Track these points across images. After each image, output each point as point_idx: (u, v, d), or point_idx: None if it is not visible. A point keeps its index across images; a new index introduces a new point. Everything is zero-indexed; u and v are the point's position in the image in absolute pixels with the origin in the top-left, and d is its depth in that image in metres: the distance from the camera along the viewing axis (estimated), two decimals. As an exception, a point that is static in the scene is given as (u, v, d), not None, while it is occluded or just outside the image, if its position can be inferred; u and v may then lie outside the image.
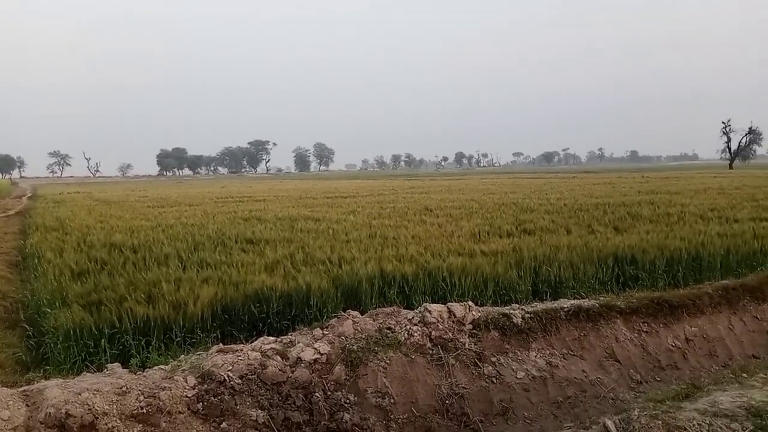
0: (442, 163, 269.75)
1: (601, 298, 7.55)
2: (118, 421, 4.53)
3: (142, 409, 4.67)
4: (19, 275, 11.74)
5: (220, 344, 5.92)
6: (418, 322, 6.16)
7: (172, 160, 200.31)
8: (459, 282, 8.78)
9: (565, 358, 6.46)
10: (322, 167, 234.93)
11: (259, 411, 5.03)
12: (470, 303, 6.64)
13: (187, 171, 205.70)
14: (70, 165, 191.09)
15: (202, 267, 9.52)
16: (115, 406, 4.59)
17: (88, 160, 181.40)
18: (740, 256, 10.77)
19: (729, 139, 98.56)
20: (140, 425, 4.62)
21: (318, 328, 6.09)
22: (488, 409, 5.71)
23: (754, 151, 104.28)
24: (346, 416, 5.21)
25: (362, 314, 6.42)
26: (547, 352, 6.46)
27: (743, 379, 5.46)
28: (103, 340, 6.85)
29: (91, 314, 7.20)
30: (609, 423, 3.92)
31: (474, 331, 6.29)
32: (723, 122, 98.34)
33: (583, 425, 4.90)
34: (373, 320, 6.22)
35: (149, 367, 5.60)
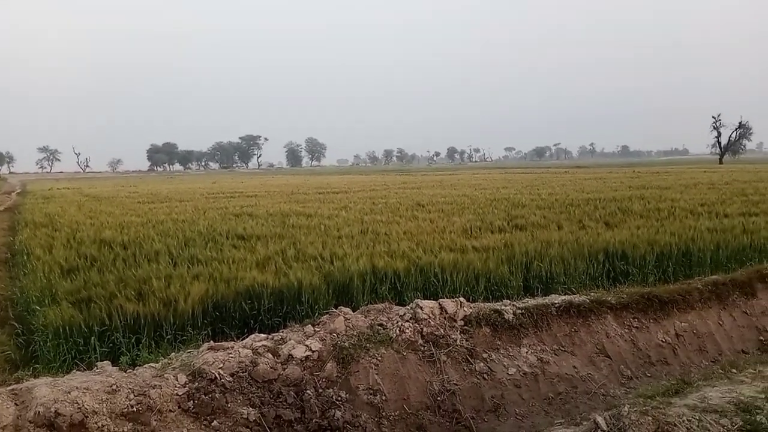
0: (434, 158, 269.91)
1: (592, 294, 7.57)
2: (108, 419, 4.50)
3: (132, 407, 4.64)
4: (8, 272, 11.64)
5: (211, 341, 5.89)
6: (410, 318, 6.16)
7: (162, 155, 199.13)
8: (450, 278, 8.78)
9: (556, 354, 6.48)
10: (314, 162, 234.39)
11: (251, 409, 5.02)
12: (462, 299, 6.64)
13: (177, 166, 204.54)
14: (59, 160, 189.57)
15: (193, 263, 9.47)
16: (105, 405, 4.56)
17: (77, 155, 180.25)
18: (730, 251, 10.84)
19: (719, 134, 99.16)
20: (130, 424, 4.60)
21: (309, 325, 6.08)
22: (480, 405, 5.72)
23: (744, 146, 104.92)
24: (338, 413, 5.20)
25: (354, 311, 6.41)
26: (538, 348, 6.47)
27: (733, 374, 5.49)
28: (93, 337, 6.80)
29: (80, 311, 7.14)
30: (599, 419, 3.93)
31: (465, 327, 6.30)
32: (713, 117, 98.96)
33: (574, 421, 4.92)
34: (365, 317, 6.21)
35: (139, 365, 5.57)
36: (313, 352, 5.58)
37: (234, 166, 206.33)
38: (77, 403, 4.44)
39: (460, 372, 5.90)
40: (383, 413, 5.36)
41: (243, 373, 5.23)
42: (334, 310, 6.34)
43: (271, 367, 5.33)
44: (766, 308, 8.19)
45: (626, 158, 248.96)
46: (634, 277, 9.75)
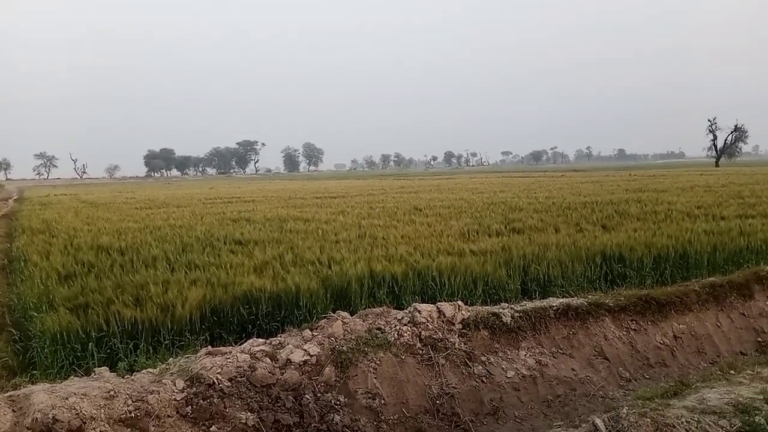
0: (432, 162, 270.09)
1: (590, 297, 7.58)
2: (107, 425, 4.48)
3: (130, 413, 4.63)
4: (5, 279, 11.61)
5: (209, 347, 5.89)
6: (408, 322, 6.16)
7: (159, 161, 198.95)
8: (448, 281, 8.78)
9: (554, 357, 6.48)
10: (312, 167, 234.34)
11: (249, 414, 5.01)
12: (460, 302, 6.64)
13: (175, 172, 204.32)
14: (56, 167, 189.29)
15: (191, 269, 9.45)
16: (103, 411, 4.54)
17: (74, 161, 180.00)
18: (727, 253, 10.86)
19: (715, 137, 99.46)
20: (129, 429, 4.58)
21: (307, 330, 6.07)
22: (479, 408, 5.71)
23: (740, 149, 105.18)
24: (337, 418, 5.20)
25: (352, 315, 6.40)
26: (537, 350, 6.48)
27: (731, 375, 5.50)
28: (90, 343, 6.78)
29: (78, 317, 7.12)
30: (598, 421, 3.94)
31: (464, 330, 6.30)
32: (709, 120, 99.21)
33: (573, 424, 4.92)
34: (363, 321, 6.21)
35: (137, 371, 5.56)
36: (312, 356, 5.57)
37: (231, 171, 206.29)
38: (75, 409, 4.43)
39: (458, 375, 5.90)
40: (382, 417, 5.35)
41: (241, 377, 5.22)
42: (332, 314, 6.33)
43: (269, 372, 5.32)
44: (763, 310, 8.21)
45: (623, 161, 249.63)
46: (632, 280, 9.76)
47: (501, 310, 6.72)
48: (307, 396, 5.27)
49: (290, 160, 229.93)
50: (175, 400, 4.90)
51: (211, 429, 4.85)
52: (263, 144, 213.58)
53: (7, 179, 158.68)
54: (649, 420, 3.84)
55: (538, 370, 6.24)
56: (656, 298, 7.60)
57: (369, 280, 8.61)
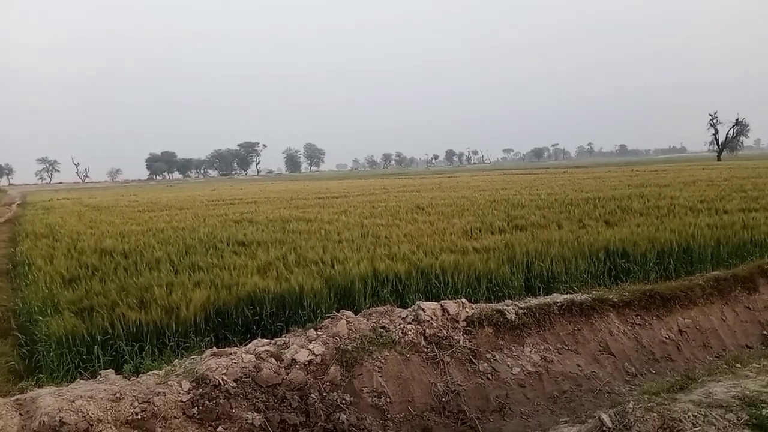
0: (433, 161, 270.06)
1: (594, 292, 7.58)
2: (113, 427, 4.49)
3: (136, 415, 4.64)
4: (9, 283, 11.64)
5: (214, 348, 5.89)
6: (412, 320, 6.16)
7: (161, 164, 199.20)
8: (452, 279, 8.78)
9: (559, 353, 6.48)
10: (313, 168, 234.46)
11: (255, 414, 5.01)
12: (463, 300, 6.64)
13: (177, 174, 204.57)
14: (58, 171, 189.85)
15: (194, 270, 9.46)
16: (109, 413, 4.55)
17: (76, 165, 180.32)
18: (731, 247, 10.84)
19: (716, 131, 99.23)
20: (135, 431, 4.59)
21: (312, 329, 6.07)
22: (484, 405, 5.71)
23: (742, 143, 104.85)
24: (343, 417, 5.20)
25: (356, 314, 6.41)
26: (542, 347, 6.47)
27: (737, 369, 5.49)
28: (96, 346, 6.80)
29: (83, 321, 7.14)
30: (605, 417, 3.93)
31: (468, 328, 6.30)
32: (710, 114, 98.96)
33: (579, 419, 4.92)
34: (367, 320, 6.21)
35: (143, 373, 5.57)
36: (317, 356, 5.58)
37: (233, 173, 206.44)
38: (82, 412, 4.44)
39: (464, 373, 5.89)
40: (388, 415, 5.35)
41: (247, 378, 5.22)
42: (336, 314, 6.33)
43: (274, 372, 5.33)
44: (768, 303, 8.19)
45: (624, 157, 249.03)
46: (636, 275, 9.75)
47: (505, 307, 6.71)
48: (312, 395, 5.27)
49: (292, 161, 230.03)
50: (181, 401, 4.91)
51: (217, 430, 4.85)
52: (264, 145, 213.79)
53: (9, 184, 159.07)
54: (655, 414, 3.83)
55: (544, 367, 6.24)
56: (661, 293, 7.59)
57: (372, 279, 8.61)
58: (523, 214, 15.58)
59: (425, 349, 5.95)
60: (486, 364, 6.04)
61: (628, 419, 3.82)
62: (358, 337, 5.88)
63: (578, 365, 6.43)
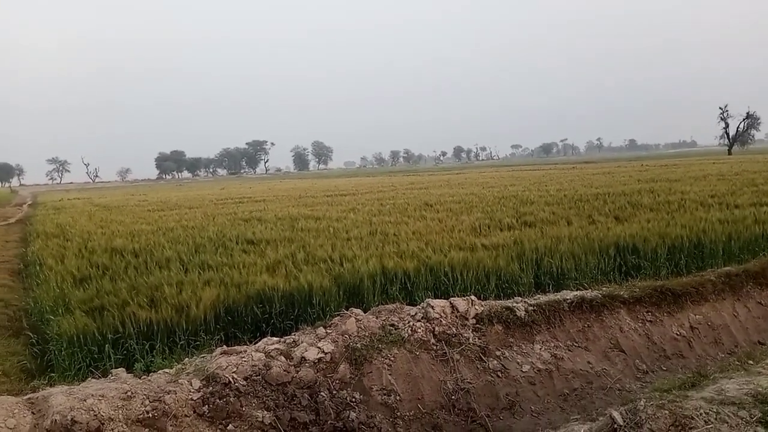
0: (441, 158, 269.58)
1: (604, 289, 7.54)
2: (124, 426, 4.52)
3: (147, 413, 4.66)
4: (21, 283, 11.73)
5: (224, 346, 5.91)
6: (421, 318, 6.15)
7: (170, 163, 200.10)
8: (461, 276, 8.77)
9: (569, 350, 6.45)
10: (321, 166, 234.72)
11: (265, 412, 5.03)
12: (473, 297, 6.62)
13: (186, 173, 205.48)
14: (69, 171, 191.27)
15: (204, 269, 9.50)
16: (120, 412, 4.58)
17: (87, 165, 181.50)
18: (742, 242, 10.75)
19: (727, 125, 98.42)
20: (146, 430, 4.62)
21: (321, 327, 6.08)
22: (494, 403, 5.70)
23: (753, 136, 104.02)
24: (353, 414, 5.20)
25: (365, 312, 6.41)
26: (552, 344, 6.45)
27: (749, 365, 5.44)
28: (107, 345, 6.84)
29: (94, 320, 7.19)
30: (616, 414, 3.91)
31: (477, 325, 6.28)
32: (721, 108, 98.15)
33: (590, 417, 4.90)
34: (376, 317, 6.21)
35: (154, 371, 5.60)
36: (326, 354, 5.58)
37: (242, 171, 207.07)
38: (93, 410, 4.47)
39: (473, 370, 5.88)
40: (398, 413, 5.35)
41: (257, 376, 5.24)
42: (345, 311, 6.34)
43: (284, 370, 5.34)
44: (780, 298, 8.12)
45: (634, 152, 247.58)
46: (646, 271, 9.69)
47: (515, 304, 6.69)
48: (322, 393, 5.28)
49: (300, 159, 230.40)
50: (192, 399, 4.93)
51: (228, 428, 4.87)
52: (273, 144, 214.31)
53: (20, 185, 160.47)
54: (667, 412, 3.80)
55: (554, 364, 6.21)
56: (671, 289, 7.54)
57: (381, 277, 8.61)
58: (532, 210, 15.52)
59: (434, 347, 5.95)
60: (496, 362, 6.03)
61: (640, 417, 3.79)
62: (367, 335, 5.88)
63: (589, 362, 6.40)
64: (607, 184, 25.18)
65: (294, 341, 5.83)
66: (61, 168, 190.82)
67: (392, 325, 6.07)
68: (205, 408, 4.93)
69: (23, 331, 8.14)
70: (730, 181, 23.27)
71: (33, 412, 4.51)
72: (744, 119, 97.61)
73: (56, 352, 6.89)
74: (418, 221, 14.39)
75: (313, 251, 10.48)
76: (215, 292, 7.83)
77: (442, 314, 6.22)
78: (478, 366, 5.94)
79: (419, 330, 6.01)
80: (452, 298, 6.55)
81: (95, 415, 4.43)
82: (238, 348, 5.72)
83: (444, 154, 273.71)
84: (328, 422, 5.14)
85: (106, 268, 10.29)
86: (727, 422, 3.76)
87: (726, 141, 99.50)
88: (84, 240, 13.98)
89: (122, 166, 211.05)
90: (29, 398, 4.71)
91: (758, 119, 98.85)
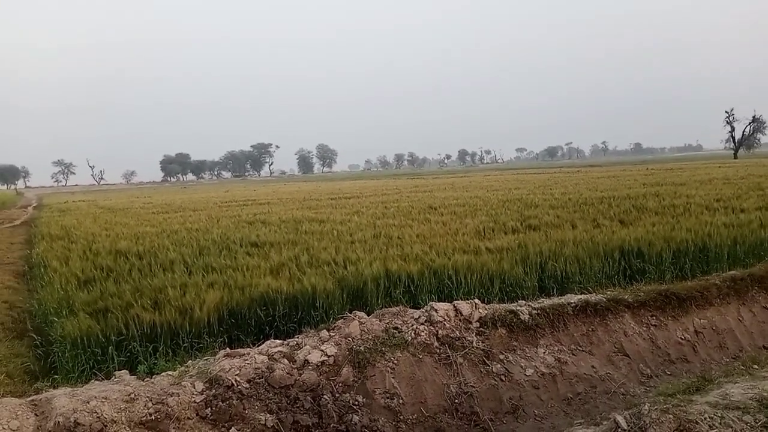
0: (446, 161, 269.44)
1: (609, 292, 7.51)
2: (127, 428, 4.52)
3: (150, 415, 4.66)
4: (25, 285, 11.77)
5: (227, 348, 5.91)
6: (425, 321, 6.14)
7: (175, 165, 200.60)
8: (465, 280, 8.75)
9: (573, 354, 6.42)
10: (326, 169, 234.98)
11: (268, 415, 5.02)
12: (476, 301, 6.61)
13: (190, 176, 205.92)
14: (74, 173, 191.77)
15: (208, 272, 9.51)
16: (123, 414, 4.58)
17: (92, 168, 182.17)
18: (747, 246, 10.70)
19: (733, 129, 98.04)
20: (149, 432, 4.62)
21: (324, 330, 6.07)
22: (498, 407, 5.68)
23: (759, 140, 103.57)
24: (355, 418, 5.19)
25: (368, 315, 6.40)
26: (556, 348, 6.42)
27: (754, 370, 5.42)
28: (110, 347, 6.85)
29: (98, 322, 7.20)
30: (620, 418, 3.89)
31: (481, 329, 6.27)
32: (726, 112, 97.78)
33: (594, 421, 4.87)
34: (380, 320, 6.20)
35: (157, 374, 5.60)
36: (329, 357, 5.57)
37: (246, 174, 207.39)
38: (96, 412, 4.47)
39: (477, 374, 5.86)
40: (401, 417, 5.34)
41: (260, 379, 5.23)
42: (349, 314, 6.33)
43: (287, 373, 5.33)
44: (786, 303, 8.06)
45: (639, 155, 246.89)
46: (651, 275, 9.65)
47: (518, 308, 6.67)
48: (325, 396, 5.27)
49: (304, 162, 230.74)
50: (195, 402, 4.93)
51: (230, 431, 4.86)
52: (277, 146, 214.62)
53: (26, 187, 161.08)
54: (671, 416, 3.78)
55: (558, 368, 6.19)
56: (676, 293, 7.50)
57: (385, 280, 8.60)
58: (536, 213, 15.48)
59: (438, 350, 5.93)
60: (499, 366, 6.01)
61: (644, 421, 3.77)
62: (370, 338, 5.87)
63: (593, 366, 6.38)
64: (612, 188, 25.12)
65: (297, 344, 5.83)
66: (66, 170, 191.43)
67: (396, 328, 6.06)
68: (208, 411, 4.92)
69: (27, 333, 8.15)
70: (736, 185, 23.19)
71: (36, 414, 4.52)
72: (750, 123, 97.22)
73: (60, 354, 6.90)
74: (422, 224, 14.38)
75: (316, 254, 10.48)
76: (219, 295, 7.84)
77: (446, 318, 6.20)
78: (482, 370, 5.92)
79: (422, 333, 6.00)
80: (456, 302, 6.53)
81: (98, 417, 4.44)
82: (241, 351, 5.72)
83: (448, 157, 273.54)
84: (331, 425, 5.13)
85: (110, 270, 10.32)
86: (732, 427, 3.73)
87: (732, 145, 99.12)
88: (88, 242, 14.02)
89: (127, 168, 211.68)
90: (32, 400, 4.71)
91: (764, 123, 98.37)
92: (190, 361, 5.83)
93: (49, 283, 9.58)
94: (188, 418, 4.81)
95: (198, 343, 7.16)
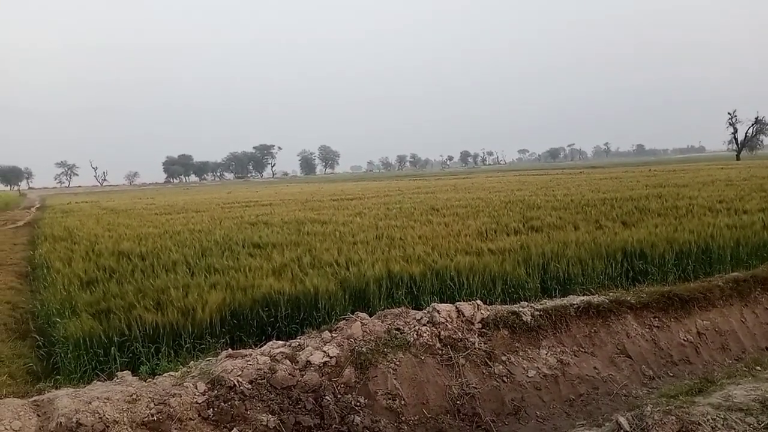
0: (448, 162, 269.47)
1: (611, 294, 7.50)
2: (129, 429, 4.52)
3: (152, 416, 4.66)
4: (28, 285, 11.79)
5: (230, 349, 5.91)
6: (427, 322, 6.13)
7: (178, 167, 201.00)
8: (467, 281, 8.74)
9: (576, 356, 6.41)
10: (328, 170, 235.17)
11: (270, 416, 5.02)
12: (479, 302, 6.60)
13: (193, 177, 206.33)
14: (77, 175, 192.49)
15: (210, 272, 9.52)
16: (125, 414, 4.59)
17: (95, 169, 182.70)
18: (750, 247, 10.68)
19: (735, 130, 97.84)
20: (151, 433, 4.62)
21: (327, 331, 6.07)
22: (500, 408, 5.67)
23: (761, 142, 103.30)
24: (357, 419, 5.19)
25: (370, 316, 6.40)
26: (558, 349, 6.41)
27: (757, 372, 5.40)
28: (112, 348, 6.86)
29: (100, 323, 7.21)
30: (622, 420, 3.88)
31: (483, 330, 6.26)
32: (729, 113, 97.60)
33: (596, 423, 4.86)
34: (382, 321, 6.20)
35: (159, 374, 5.61)
36: (331, 357, 5.57)
37: (249, 175, 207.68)
38: (98, 413, 4.47)
39: (479, 375, 5.86)
40: (403, 418, 5.34)
41: (261, 380, 5.23)
42: (351, 315, 6.33)
43: (289, 374, 5.33)
44: (789, 304, 8.04)
45: (642, 157, 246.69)
46: (654, 276, 9.63)
47: (521, 309, 6.66)
48: (327, 397, 5.27)
49: (306, 163, 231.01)
50: (197, 402, 4.93)
51: (232, 431, 4.87)
52: (280, 148, 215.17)
53: (29, 188, 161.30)
54: (674, 418, 3.78)
55: (560, 369, 6.18)
56: (679, 295, 7.49)
57: (387, 281, 8.60)
58: (538, 215, 15.47)
59: (440, 351, 5.93)
60: (501, 367, 6.00)
61: (646, 422, 3.77)
62: (372, 339, 5.87)
63: (595, 368, 6.36)
64: (614, 189, 25.09)
65: (299, 345, 5.83)
66: (69, 171, 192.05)
67: (398, 329, 6.06)
68: (210, 411, 4.92)
69: (30, 334, 8.17)
70: (739, 186, 23.15)
71: (38, 415, 4.52)
72: (753, 124, 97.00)
73: (62, 355, 6.91)
74: (425, 225, 14.38)
75: (319, 255, 10.48)
76: (221, 296, 7.84)
77: (448, 319, 6.20)
78: (484, 371, 5.91)
79: (425, 334, 6.00)
80: (458, 303, 6.52)
81: (100, 418, 4.44)
82: (243, 351, 5.72)
83: (451, 158, 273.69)
84: (333, 426, 5.13)
85: (113, 271, 10.33)
86: (735, 428, 3.73)
87: (734, 146, 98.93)
88: (91, 243, 14.05)
89: (130, 169, 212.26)
90: (35, 400, 4.72)
91: (767, 124, 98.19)
92: (192, 362, 5.84)
93: (52, 284, 9.60)
94: (190, 419, 4.81)
95: (200, 344, 7.17)
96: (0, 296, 10.44)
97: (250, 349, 5.85)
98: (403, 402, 5.42)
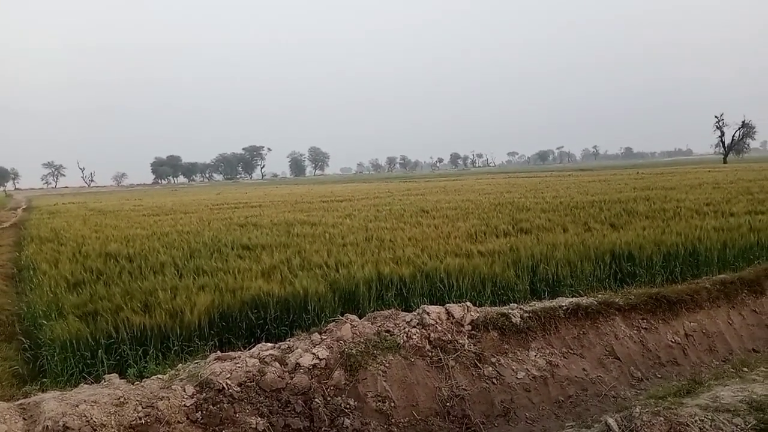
0: (438, 164, 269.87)
1: (600, 296, 7.53)
2: (117, 432, 4.48)
3: (140, 419, 4.63)
4: (14, 287, 11.65)
5: (218, 352, 5.88)
6: (417, 324, 6.13)
7: (166, 168, 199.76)
8: (457, 283, 8.75)
9: (565, 357, 6.44)
10: (318, 171, 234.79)
11: (259, 418, 4.99)
12: (468, 304, 6.61)
13: (182, 179, 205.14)
14: (64, 175, 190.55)
15: (199, 274, 9.46)
16: (113, 418, 4.54)
17: (82, 170, 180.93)
18: (737, 249, 10.77)
19: (722, 134, 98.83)
20: (139, 436, 4.58)
21: (316, 333, 6.06)
22: (489, 410, 5.68)
23: (748, 145, 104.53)
24: (347, 421, 5.18)
25: (360, 318, 6.39)
26: (547, 351, 6.43)
27: (744, 373, 5.45)
28: (100, 350, 6.80)
29: (87, 325, 7.14)
30: (611, 421, 3.90)
31: (473, 332, 6.27)
32: (716, 117, 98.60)
33: (585, 424, 4.88)
34: (372, 323, 6.19)
35: (147, 377, 5.56)
36: (321, 360, 5.56)
37: (238, 177, 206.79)
38: (85, 416, 4.43)
39: (468, 377, 5.86)
40: (392, 420, 5.33)
41: (251, 382, 5.21)
42: (341, 317, 6.32)
43: (278, 376, 5.31)
44: (775, 306, 8.12)
45: (630, 160, 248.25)
46: (642, 278, 9.69)
47: (510, 311, 6.68)
48: (316, 400, 5.25)
49: (296, 165, 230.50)
50: (185, 405, 4.90)
51: (221, 434, 4.84)
52: (269, 149, 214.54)
53: (15, 189, 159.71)
54: (662, 419, 3.80)
55: (549, 371, 6.20)
56: (667, 297, 7.54)
57: (377, 283, 8.59)
58: (528, 217, 15.52)
59: (430, 354, 5.93)
60: (491, 369, 6.01)
61: (635, 424, 3.79)
62: (362, 341, 5.85)
63: (584, 369, 6.39)
64: (603, 192, 25.23)
65: (289, 347, 5.81)
66: (56, 172, 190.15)
67: (387, 331, 6.05)
68: (199, 414, 4.89)
69: (16, 336, 8.08)
70: (726, 189, 23.35)
71: (24, 418, 4.47)
72: (739, 128, 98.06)
73: (49, 358, 6.83)
74: (414, 227, 14.38)
75: (308, 257, 10.45)
76: (210, 298, 7.79)
77: (438, 320, 6.20)
78: (473, 373, 5.92)
79: (414, 336, 5.99)
80: (448, 305, 6.53)
81: (87, 421, 4.40)
82: (232, 354, 5.70)
83: (440, 160, 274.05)
84: (323, 429, 5.11)
85: (100, 272, 10.24)
86: (722, 429, 3.75)
87: (721, 149, 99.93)
88: (78, 244, 13.92)
89: (118, 170, 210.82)
90: (21, 404, 4.67)
91: (753, 128, 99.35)
92: (180, 365, 5.80)
93: (38, 286, 9.50)
94: (178, 422, 4.78)
95: (188, 347, 7.11)
96: (-15, 298, 10.32)
97: (239, 352, 5.83)
98: (392, 404, 5.41)
